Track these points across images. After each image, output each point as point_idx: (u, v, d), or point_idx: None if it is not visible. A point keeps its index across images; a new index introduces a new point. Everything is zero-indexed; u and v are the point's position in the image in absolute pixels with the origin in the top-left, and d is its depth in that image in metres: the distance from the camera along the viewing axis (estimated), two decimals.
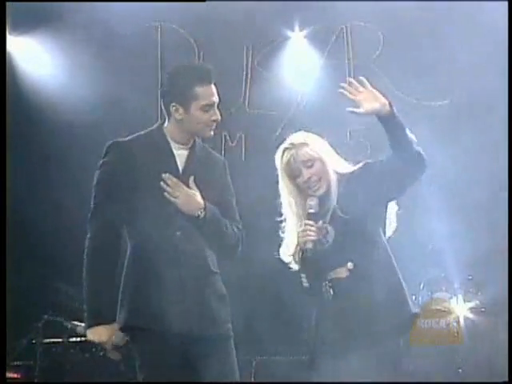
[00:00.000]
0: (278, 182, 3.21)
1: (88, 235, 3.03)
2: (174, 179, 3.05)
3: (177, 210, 3.03)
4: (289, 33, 7.11)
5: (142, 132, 3.20)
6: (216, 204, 3.13)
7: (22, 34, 6.72)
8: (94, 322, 2.94)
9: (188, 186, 3.06)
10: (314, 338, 3.10)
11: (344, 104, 7.24)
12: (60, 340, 5.58)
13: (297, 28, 7.08)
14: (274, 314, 6.42)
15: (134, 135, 3.17)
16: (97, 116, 6.47)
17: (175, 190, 3.03)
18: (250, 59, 7.25)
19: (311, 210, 3.09)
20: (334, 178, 3.13)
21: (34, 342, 5.52)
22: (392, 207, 3.22)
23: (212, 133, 3.16)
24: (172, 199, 3.02)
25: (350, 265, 3.04)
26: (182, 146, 3.15)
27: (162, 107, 3.20)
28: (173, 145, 3.13)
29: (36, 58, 6.84)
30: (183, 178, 3.08)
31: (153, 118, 5.66)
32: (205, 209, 3.07)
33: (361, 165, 3.18)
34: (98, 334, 2.91)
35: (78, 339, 5.57)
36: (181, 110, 3.07)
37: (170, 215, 3.03)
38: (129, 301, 3.01)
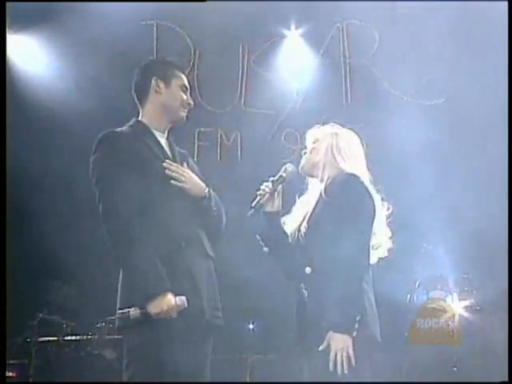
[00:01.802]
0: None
1: (108, 228, 2.94)
2: (175, 164, 3.08)
3: (177, 195, 3.04)
4: (285, 31, 7.12)
5: (123, 128, 3.19)
6: None
7: (17, 32, 6.70)
8: (152, 297, 2.86)
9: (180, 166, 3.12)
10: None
11: (341, 103, 7.24)
12: (55, 338, 5.57)
13: (293, 26, 7.08)
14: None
15: (117, 129, 3.16)
16: (93, 114, 6.45)
17: (180, 175, 3.06)
18: (245, 58, 7.25)
19: (283, 174, 3.17)
20: (317, 165, 3.13)
21: (28, 340, 5.51)
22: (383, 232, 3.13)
23: (185, 116, 3.23)
24: (179, 184, 3.05)
25: (307, 269, 3.02)
26: (161, 134, 3.21)
27: (137, 93, 3.23)
28: (155, 133, 3.17)
29: (32, 56, 6.83)
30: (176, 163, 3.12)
31: None
32: (209, 189, 3.13)
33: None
34: (163, 303, 2.84)
35: (73, 337, 5.57)
36: (162, 85, 3.19)
37: (171, 201, 3.03)
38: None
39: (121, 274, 3.03)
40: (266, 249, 3.19)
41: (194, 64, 7.13)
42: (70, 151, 6.36)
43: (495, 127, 5.73)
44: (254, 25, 6.98)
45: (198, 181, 3.12)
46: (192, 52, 7.16)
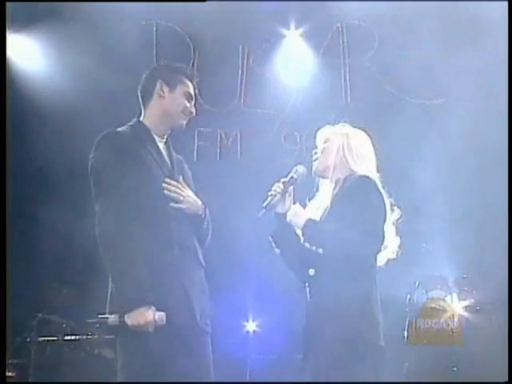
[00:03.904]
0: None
1: (99, 230, 2.92)
2: (174, 183, 3.06)
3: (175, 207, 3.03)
4: (284, 31, 7.12)
5: (123, 127, 3.17)
6: None
7: (17, 32, 6.70)
8: (132, 307, 2.87)
9: (178, 183, 3.09)
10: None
11: (339, 102, 7.23)
12: (54, 338, 5.57)
13: (292, 26, 7.08)
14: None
15: (118, 129, 3.14)
16: (92, 113, 6.44)
17: (178, 194, 3.05)
18: (245, 57, 7.25)
19: (294, 175, 3.13)
20: (330, 167, 3.12)
21: (28, 340, 5.51)
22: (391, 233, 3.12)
23: (185, 124, 3.20)
24: (177, 206, 3.03)
25: (311, 271, 3.03)
26: (160, 140, 3.18)
27: (142, 95, 3.21)
28: (155, 138, 3.15)
29: (32, 56, 6.84)
30: (174, 172, 3.11)
31: None
32: (205, 208, 3.11)
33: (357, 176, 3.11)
34: (141, 317, 2.83)
35: (73, 337, 5.57)
36: (166, 89, 3.16)
37: (166, 207, 3.02)
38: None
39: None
40: (277, 250, 3.17)
41: (194, 64, 7.13)
42: (69, 150, 6.36)
43: (495, 127, 5.73)
44: (254, 25, 6.98)
45: (195, 201, 3.10)
46: (192, 52, 7.17)
